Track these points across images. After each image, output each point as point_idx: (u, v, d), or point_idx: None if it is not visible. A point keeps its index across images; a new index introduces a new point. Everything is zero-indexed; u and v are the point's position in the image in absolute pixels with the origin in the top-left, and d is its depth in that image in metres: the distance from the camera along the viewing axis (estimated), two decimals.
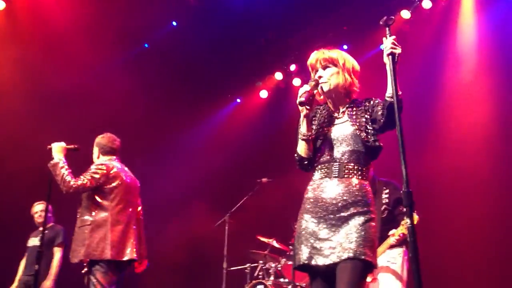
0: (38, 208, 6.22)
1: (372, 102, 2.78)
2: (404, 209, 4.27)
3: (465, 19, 7.11)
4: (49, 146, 4.24)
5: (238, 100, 9.86)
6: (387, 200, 4.62)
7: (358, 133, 2.69)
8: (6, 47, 7.57)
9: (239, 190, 7.63)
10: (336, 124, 2.81)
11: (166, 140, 8.87)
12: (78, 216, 4.23)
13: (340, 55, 2.86)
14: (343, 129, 2.75)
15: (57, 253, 6.02)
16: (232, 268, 6.98)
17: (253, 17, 7.88)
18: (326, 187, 2.67)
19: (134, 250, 4.19)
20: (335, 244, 2.54)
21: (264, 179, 6.98)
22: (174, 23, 8.70)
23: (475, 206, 6.37)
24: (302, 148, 2.79)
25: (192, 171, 8.69)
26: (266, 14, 7.69)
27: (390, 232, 4.44)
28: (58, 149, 4.20)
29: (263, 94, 9.34)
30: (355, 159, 2.68)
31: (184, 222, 8.34)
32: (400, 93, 2.47)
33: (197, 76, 9.05)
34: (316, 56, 2.87)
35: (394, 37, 2.51)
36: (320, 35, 7.78)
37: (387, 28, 2.47)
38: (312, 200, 2.70)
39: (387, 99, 2.58)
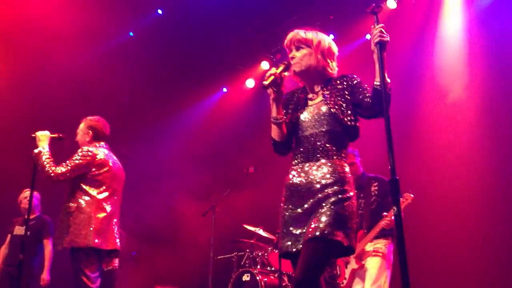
0: (27, 195, 6.15)
1: (351, 82, 2.69)
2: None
3: (450, 7, 7.13)
4: (33, 135, 4.18)
5: (225, 90, 9.82)
6: (376, 192, 4.76)
7: (333, 112, 2.62)
8: None
9: (226, 179, 7.63)
10: (310, 105, 2.75)
11: (152, 129, 8.85)
12: (63, 202, 4.16)
13: (315, 36, 2.78)
14: (317, 110, 2.69)
15: (48, 245, 5.98)
16: (219, 257, 7.00)
17: (239, 5, 7.84)
18: (302, 172, 2.63)
19: (118, 240, 4.17)
20: (306, 229, 2.48)
21: (251, 168, 6.98)
22: (160, 11, 8.63)
23: (465, 198, 6.36)
24: (274, 132, 2.75)
25: (178, 160, 8.66)
26: (253, 2, 7.66)
27: (384, 214, 4.56)
28: (42, 138, 4.14)
29: (250, 83, 9.31)
30: (329, 139, 2.62)
31: (170, 212, 8.34)
32: (388, 81, 2.46)
33: (183, 65, 9.00)
34: (290, 37, 2.81)
35: (382, 25, 2.46)
36: (307, 24, 7.74)
37: (375, 16, 2.44)
38: (290, 187, 2.66)
39: (376, 87, 2.53)
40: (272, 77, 2.64)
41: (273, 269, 6.35)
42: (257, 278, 5.95)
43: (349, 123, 2.59)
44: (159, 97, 8.88)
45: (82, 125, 4.39)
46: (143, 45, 8.58)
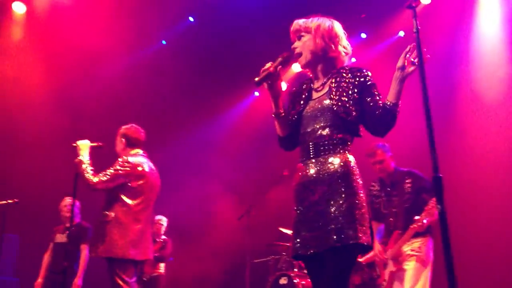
0: (67, 203, 6.30)
1: (364, 80, 2.52)
2: (427, 197, 4.31)
3: (486, 2, 6.93)
4: (74, 144, 4.26)
5: (257, 94, 9.84)
6: (409, 190, 4.54)
7: (335, 109, 2.48)
8: (32, 53, 7.74)
9: (260, 183, 7.63)
10: (313, 98, 2.63)
11: (187, 135, 8.94)
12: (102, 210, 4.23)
13: (314, 20, 2.65)
14: (319, 104, 2.56)
15: (84, 250, 6.09)
16: (255, 261, 6.99)
17: (268, 9, 7.83)
18: (305, 169, 2.52)
19: (151, 249, 4.25)
20: (320, 232, 2.38)
21: (285, 171, 6.94)
22: (191, 19, 8.72)
23: (504, 197, 6.19)
24: (276, 127, 2.70)
25: (213, 165, 8.72)
26: (282, 4, 7.62)
27: (416, 218, 4.37)
28: (82, 147, 4.21)
29: (282, 86, 9.27)
30: (332, 134, 2.48)
31: (206, 216, 8.39)
32: (400, 104, 2.43)
33: (215, 70, 9.06)
34: (291, 29, 2.72)
35: (412, 54, 2.40)
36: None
37: (412, 11, 2.31)
38: (297, 187, 2.57)
39: (388, 106, 2.44)
40: (265, 72, 2.56)
41: None
42: (295, 281, 5.91)
43: (349, 119, 2.47)
44: (193, 103, 8.99)
45: (118, 133, 4.47)
46: (176, 52, 8.69)
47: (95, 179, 4.04)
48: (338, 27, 2.67)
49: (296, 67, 7.97)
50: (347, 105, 2.47)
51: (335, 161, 2.45)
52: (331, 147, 2.47)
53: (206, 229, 8.31)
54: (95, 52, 7.83)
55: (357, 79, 2.53)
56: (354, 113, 2.46)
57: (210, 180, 8.62)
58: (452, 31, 7.15)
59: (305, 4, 7.45)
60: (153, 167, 4.41)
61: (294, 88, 2.79)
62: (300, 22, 2.68)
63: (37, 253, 6.53)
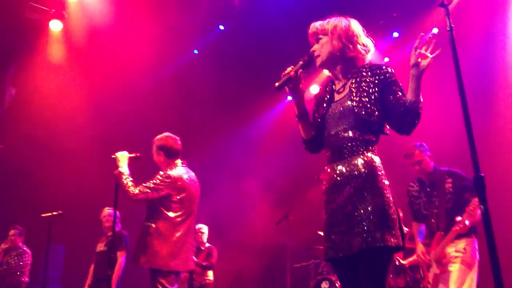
0: (106, 213, 6.45)
1: (384, 78, 2.46)
2: (470, 197, 4.20)
3: None
4: (113, 156, 4.31)
5: (290, 98, 9.83)
6: (451, 190, 4.41)
7: (356, 110, 2.44)
8: (69, 69, 8.02)
9: (299, 185, 7.61)
10: (336, 100, 2.59)
11: (222, 142, 9.02)
12: (143, 220, 4.27)
13: (331, 21, 2.61)
14: (341, 106, 2.52)
15: (120, 258, 6.20)
16: (296, 265, 6.98)
17: (299, 12, 7.83)
18: (331, 172, 2.49)
19: (192, 260, 4.30)
20: (348, 234, 2.34)
21: (321, 174, 6.89)
22: (221, 27, 8.80)
23: None
24: (300, 130, 2.71)
25: (250, 170, 8.77)
26: (312, 7, 7.60)
27: (457, 219, 4.26)
28: (121, 158, 4.25)
29: (314, 89, 9.27)
30: (354, 136, 2.44)
31: (244, 221, 8.43)
32: (421, 100, 2.37)
33: (247, 76, 9.13)
34: (309, 32, 2.68)
35: (421, 49, 2.38)
36: (371, 24, 7.65)
37: (445, 9, 2.27)
38: (325, 190, 2.52)
39: (408, 102, 2.38)
40: (286, 77, 2.56)
41: None
42: (337, 285, 5.87)
43: (372, 119, 2.42)
44: (227, 109, 9.08)
45: (155, 143, 4.45)
46: (208, 60, 8.80)
47: (136, 191, 4.08)
48: (355, 26, 2.62)
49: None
50: (369, 106, 2.43)
51: (359, 162, 2.41)
52: (354, 148, 2.44)
53: (245, 233, 8.34)
54: (130, 65, 8.02)
55: (377, 77, 2.47)
56: (376, 113, 2.42)
57: (248, 184, 8.67)
58: (487, 26, 6.98)
59: (335, 6, 7.43)
60: (193, 177, 4.43)
61: (319, 91, 2.78)
62: (316, 25, 2.66)
63: (81, 262, 6.72)
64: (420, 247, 4.51)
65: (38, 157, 7.81)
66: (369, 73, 2.50)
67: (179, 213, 4.17)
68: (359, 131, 2.44)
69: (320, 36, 2.62)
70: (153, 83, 8.33)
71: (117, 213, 6.38)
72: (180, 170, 4.29)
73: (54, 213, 5.68)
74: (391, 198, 2.35)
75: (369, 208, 2.31)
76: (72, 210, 6.81)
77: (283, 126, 9.35)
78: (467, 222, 4.17)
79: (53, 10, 7.57)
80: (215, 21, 8.71)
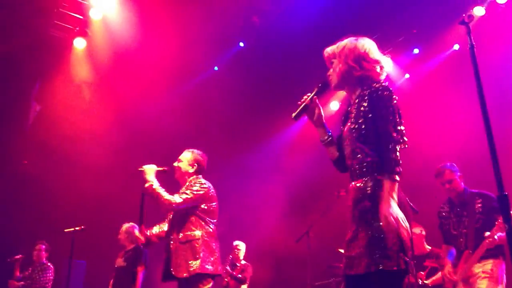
0: (124, 229, 6.52)
1: (375, 104, 2.44)
2: (498, 218, 4.13)
3: None
4: (140, 168, 4.30)
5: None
6: (480, 210, 4.42)
7: (354, 133, 2.47)
8: (93, 85, 8.18)
9: (319, 202, 7.57)
10: (348, 121, 2.61)
11: (242, 157, 9.05)
12: (175, 231, 4.24)
13: (340, 44, 2.65)
14: (348, 127, 2.56)
15: (138, 273, 6.23)
16: (316, 283, 6.90)
17: (320, 28, 7.86)
18: (348, 193, 2.54)
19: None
20: (352, 256, 2.38)
21: (342, 191, 6.85)
22: (241, 44, 8.88)
23: None
24: (327, 152, 2.75)
25: (270, 185, 8.78)
26: (333, 22, 7.63)
27: (486, 234, 4.20)
28: (149, 171, 4.26)
29: (334, 106, 9.27)
30: (360, 158, 2.45)
31: (264, 237, 8.41)
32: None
33: (267, 93, 9.18)
34: (324, 57, 2.73)
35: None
36: (390, 40, 7.64)
37: (466, 27, 2.25)
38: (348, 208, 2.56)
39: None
40: (302, 105, 2.65)
41: None
42: None
43: (368, 143, 2.42)
44: (247, 125, 9.13)
45: (189, 156, 4.46)
46: (228, 77, 8.87)
47: (178, 199, 4.12)
48: (362, 45, 2.61)
49: None
50: (363, 130, 2.44)
51: (366, 184, 2.42)
52: (364, 170, 2.44)
53: (265, 251, 8.31)
54: (151, 81, 8.15)
55: (372, 102, 2.46)
56: (371, 138, 2.42)
57: (267, 200, 8.66)
58: (509, 42, 6.91)
59: (356, 24, 7.47)
60: None
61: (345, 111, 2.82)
62: (328, 50, 2.71)
63: (102, 277, 6.76)
64: (447, 267, 4.48)
65: (61, 172, 7.94)
66: (368, 96, 2.49)
67: (213, 219, 4.28)
68: (363, 154, 2.45)
69: (332, 60, 2.67)
70: (174, 98, 8.44)
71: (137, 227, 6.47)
72: (208, 183, 4.38)
73: (77, 228, 5.74)
74: (393, 222, 2.28)
75: (369, 232, 2.33)
76: (93, 224, 6.89)
77: (304, 140, 9.35)
78: (496, 237, 4.11)
79: (77, 28, 7.73)
80: (235, 38, 8.79)
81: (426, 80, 7.86)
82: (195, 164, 4.43)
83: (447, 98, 7.06)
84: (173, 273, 4.13)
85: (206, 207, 4.24)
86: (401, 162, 2.33)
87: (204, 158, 4.51)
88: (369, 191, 2.39)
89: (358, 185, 2.45)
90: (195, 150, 4.53)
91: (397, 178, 2.30)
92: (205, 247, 4.12)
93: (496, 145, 2.07)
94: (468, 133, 6.00)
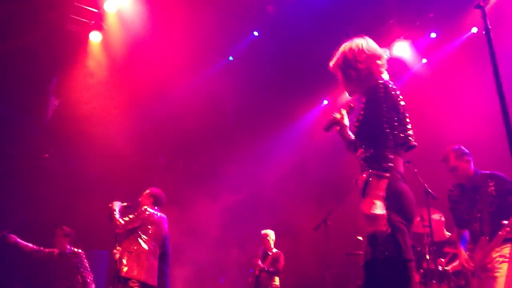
0: None
1: (368, 100, 2.63)
2: None
3: None
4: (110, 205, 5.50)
5: (325, 102, 9.80)
6: (493, 193, 4.28)
7: (354, 129, 2.71)
8: (114, 78, 8.26)
9: (336, 190, 7.56)
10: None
11: (259, 146, 9.06)
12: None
13: (338, 54, 2.84)
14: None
15: None
16: (335, 271, 6.91)
17: (334, 14, 7.78)
18: (357, 184, 2.69)
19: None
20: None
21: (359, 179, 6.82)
22: (255, 33, 8.84)
23: None
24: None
25: (288, 173, 8.78)
26: (348, 8, 7.53)
27: (504, 222, 4.09)
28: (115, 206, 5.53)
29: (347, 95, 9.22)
30: (362, 152, 2.63)
31: (282, 227, 8.42)
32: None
33: (283, 82, 9.14)
34: None
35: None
36: (407, 25, 7.54)
37: (481, 11, 2.21)
38: None
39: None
40: (332, 120, 2.94)
41: None
42: None
43: (364, 136, 2.62)
44: (263, 114, 9.13)
45: (148, 194, 5.70)
46: (243, 66, 8.87)
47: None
48: (349, 48, 2.78)
49: None
50: (359, 128, 2.63)
51: (363, 177, 2.57)
52: (364, 164, 2.60)
53: (284, 240, 8.32)
54: (166, 73, 8.19)
55: (367, 100, 2.63)
56: (365, 134, 2.59)
57: (284, 191, 8.66)
58: None
59: (372, 9, 7.38)
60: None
61: None
62: (330, 64, 2.90)
63: None
64: (463, 254, 4.38)
65: (81, 165, 8.04)
66: (365, 93, 2.68)
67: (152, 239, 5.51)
68: (364, 148, 2.61)
69: (337, 72, 2.86)
70: (189, 89, 8.46)
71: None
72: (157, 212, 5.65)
73: (124, 204, 5.72)
74: (372, 217, 2.38)
75: (362, 224, 2.47)
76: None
77: (317, 132, 9.33)
78: None
79: (93, 22, 7.77)
80: (249, 28, 8.76)
81: (443, 64, 7.75)
82: (151, 197, 5.70)
83: (465, 82, 6.95)
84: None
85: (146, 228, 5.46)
86: (391, 158, 2.42)
87: (163, 194, 5.77)
88: (363, 184, 2.55)
89: (360, 177, 2.59)
90: (154, 188, 5.79)
91: (385, 174, 2.40)
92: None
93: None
94: (485, 117, 5.91)
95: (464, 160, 4.45)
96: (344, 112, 2.94)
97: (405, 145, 2.60)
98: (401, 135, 2.53)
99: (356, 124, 2.66)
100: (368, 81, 2.67)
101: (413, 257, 2.48)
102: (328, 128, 2.95)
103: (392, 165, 2.44)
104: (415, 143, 2.63)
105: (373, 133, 2.50)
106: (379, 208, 2.37)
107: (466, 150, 4.49)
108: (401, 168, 2.60)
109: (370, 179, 2.45)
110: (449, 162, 4.47)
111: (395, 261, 2.39)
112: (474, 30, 7.51)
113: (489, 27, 2.16)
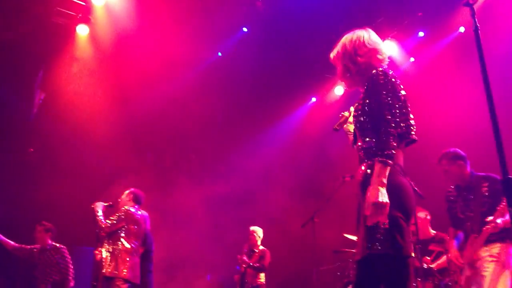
0: None
1: (368, 90, 2.56)
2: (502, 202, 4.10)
3: None
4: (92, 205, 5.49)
5: (314, 99, 9.80)
6: (486, 193, 4.39)
7: (355, 120, 2.61)
8: (101, 71, 8.17)
9: (324, 188, 7.57)
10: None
11: (247, 142, 9.05)
12: None
13: (337, 47, 2.79)
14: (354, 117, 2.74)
15: None
16: (322, 268, 6.92)
17: (323, 12, 7.77)
18: (355, 178, 2.72)
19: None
20: (357, 241, 2.56)
21: (347, 176, 6.83)
22: (245, 29, 8.80)
23: None
24: None
25: (277, 169, 8.78)
26: (338, 5, 7.52)
27: (488, 219, 4.18)
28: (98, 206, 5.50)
29: (339, 90, 9.22)
30: (361, 144, 2.59)
31: (271, 224, 8.43)
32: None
33: (271, 78, 9.13)
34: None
35: None
36: (395, 23, 7.56)
37: (470, 9, 2.21)
38: None
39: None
40: (342, 119, 2.89)
41: None
42: None
43: (365, 128, 2.54)
44: (252, 110, 9.10)
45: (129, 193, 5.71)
46: (232, 63, 8.83)
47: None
48: (350, 41, 2.73)
49: None
50: (361, 117, 2.54)
51: (361, 170, 2.54)
52: (365, 155, 2.54)
53: (271, 237, 8.32)
54: (155, 68, 8.12)
55: (368, 89, 2.57)
56: (368, 124, 2.51)
57: (273, 188, 8.66)
58: None
59: (360, 8, 7.38)
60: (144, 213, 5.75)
61: None
62: (330, 56, 2.84)
63: None
64: (453, 251, 4.46)
65: (65, 159, 7.96)
66: (366, 83, 2.60)
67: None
68: (363, 140, 2.55)
69: (338, 64, 2.81)
70: (177, 85, 8.40)
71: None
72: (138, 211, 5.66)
73: (105, 204, 5.68)
74: (379, 205, 2.32)
75: (361, 218, 2.48)
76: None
77: (311, 125, 9.33)
78: (498, 221, 4.09)
79: (80, 15, 7.68)
80: (238, 24, 8.72)
81: (431, 63, 7.80)
82: (131, 195, 5.72)
83: (453, 81, 7.00)
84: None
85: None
86: (395, 145, 2.35)
87: (142, 194, 5.78)
88: (361, 178, 2.52)
89: (362, 168, 2.53)
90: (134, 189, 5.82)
91: (389, 161, 2.32)
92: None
93: (501, 128, 2.05)
94: (473, 116, 5.96)
95: (457, 164, 4.56)
96: (352, 110, 2.81)
97: (406, 137, 2.50)
98: (402, 124, 2.44)
99: (355, 114, 2.59)
100: (367, 73, 2.62)
101: (413, 254, 2.47)
102: (338, 127, 2.89)
103: (395, 153, 2.37)
104: (416, 138, 2.54)
105: (374, 121, 2.44)
106: (385, 196, 2.30)
107: (462, 154, 4.59)
108: (401, 161, 2.53)
109: (375, 166, 2.37)
110: (442, 165, 4.58)
111: (394, 257, 2.35)
112: (462, 29, 7.56)
113: (478, 25, 2.16)
